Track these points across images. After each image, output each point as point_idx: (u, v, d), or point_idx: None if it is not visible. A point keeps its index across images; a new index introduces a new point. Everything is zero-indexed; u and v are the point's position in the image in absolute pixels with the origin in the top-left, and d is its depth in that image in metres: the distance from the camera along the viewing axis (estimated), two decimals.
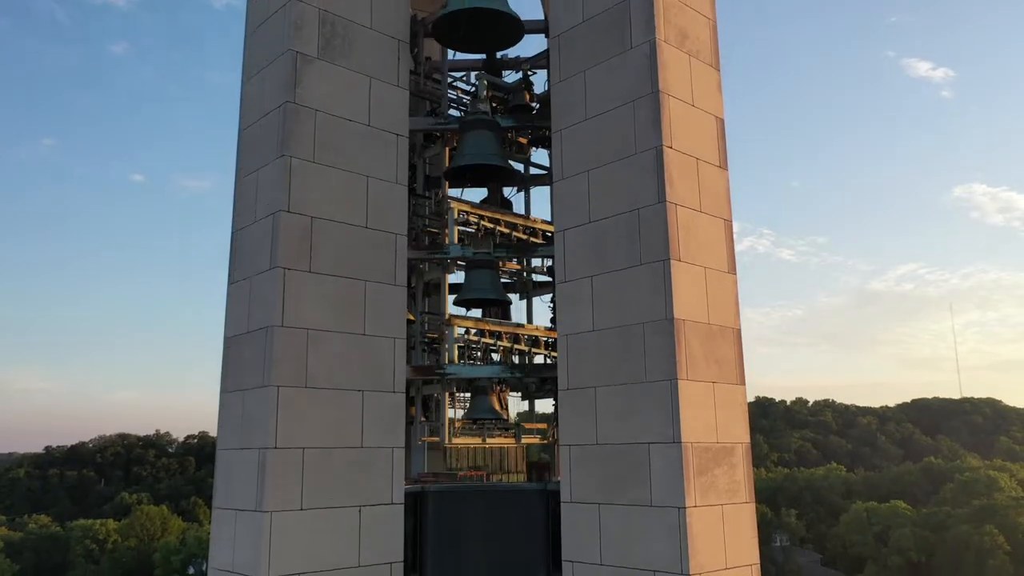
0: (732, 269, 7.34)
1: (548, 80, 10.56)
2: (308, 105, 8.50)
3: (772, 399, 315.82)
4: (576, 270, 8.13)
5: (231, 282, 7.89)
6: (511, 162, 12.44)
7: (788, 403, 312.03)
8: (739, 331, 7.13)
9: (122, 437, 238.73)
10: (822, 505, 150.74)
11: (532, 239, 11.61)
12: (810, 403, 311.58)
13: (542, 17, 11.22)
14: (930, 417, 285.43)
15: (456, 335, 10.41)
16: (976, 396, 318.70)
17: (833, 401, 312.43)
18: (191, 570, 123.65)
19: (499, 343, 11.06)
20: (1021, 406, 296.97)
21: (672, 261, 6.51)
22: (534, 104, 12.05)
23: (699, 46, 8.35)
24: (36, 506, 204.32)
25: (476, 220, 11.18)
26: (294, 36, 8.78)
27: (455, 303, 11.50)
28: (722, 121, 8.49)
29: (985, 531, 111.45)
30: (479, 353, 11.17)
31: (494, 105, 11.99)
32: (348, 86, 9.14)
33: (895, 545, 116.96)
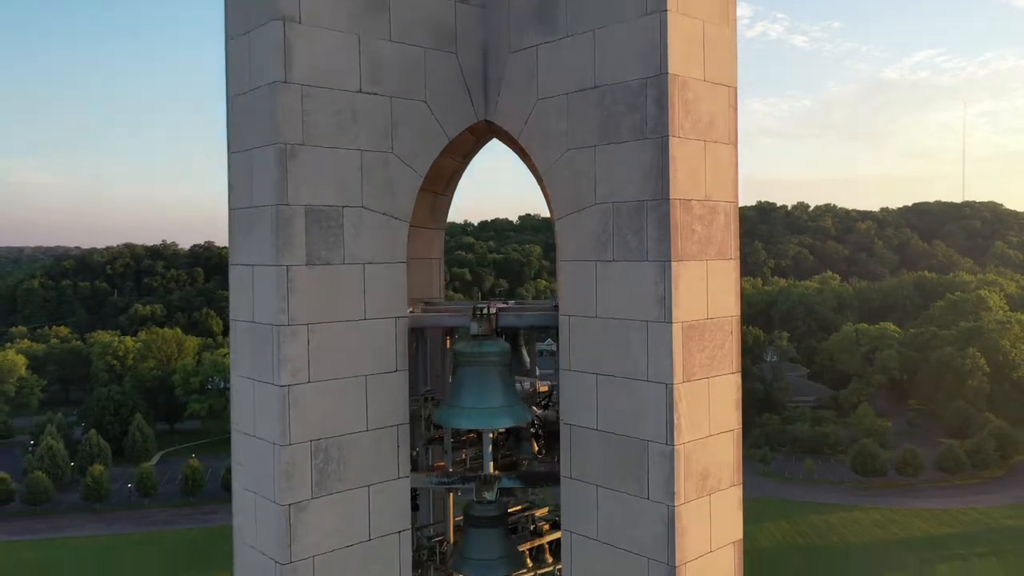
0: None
1: None
2: None
3: (773, 204, 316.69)
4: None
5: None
6: None
7: (789, 208, 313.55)
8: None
9: (129, 247, 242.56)
10: (814, 319, 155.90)
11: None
12: (811, 207, 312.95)
13: None
14: (929, 221, 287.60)
15: None
16: (978, 200, 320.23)
17: (834, 206, 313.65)
18: (209, 385, 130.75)
19: None
20: (1022, 209, 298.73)
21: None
22: None
23: None
24: (53, 316, 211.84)
25: None
26: None
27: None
28: None
29: (968, 353, 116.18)
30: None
31: None
32: None
33: (880, 364, 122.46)
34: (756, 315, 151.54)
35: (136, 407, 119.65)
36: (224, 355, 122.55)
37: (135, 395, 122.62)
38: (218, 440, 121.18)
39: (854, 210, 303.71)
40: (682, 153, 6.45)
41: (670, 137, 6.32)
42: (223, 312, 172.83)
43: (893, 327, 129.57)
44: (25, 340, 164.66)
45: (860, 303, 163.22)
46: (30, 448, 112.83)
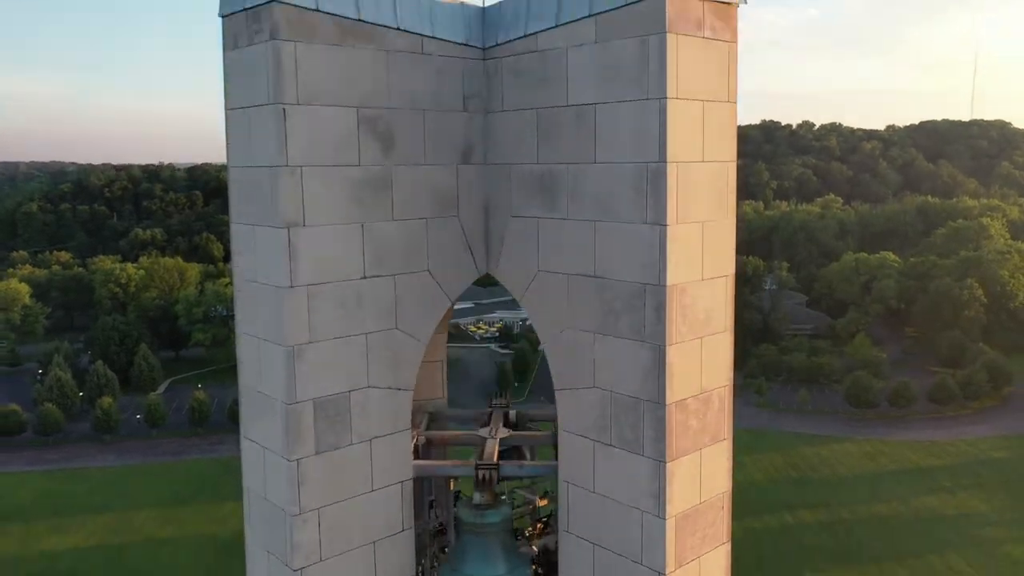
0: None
1: None
2: None
3: (778, 123, 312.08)
4: None
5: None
6: None
7: (794, 127, 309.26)
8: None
9: (126, 170, 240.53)
10: (815, 245, 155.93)
11: None
12: (816, 127, 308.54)
13: None
14: (936, 140, 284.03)
15: None
16: (986, 118, 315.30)
17: (839, 124, 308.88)
18: (212, 314, 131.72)
19: None
20: None
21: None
22: None
23: None
24: (53, 240, 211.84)
25: None
26: None
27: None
28: None
29: (966, 284, 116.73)
30: None
31: None
32: None
33: (878, 294, 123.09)
34: (756, 241, 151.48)
35: (140, 337, 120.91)
36: (226, 285, 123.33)
37: (139, 325, 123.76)
38: (224, 368, 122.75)
39: (860, 129, 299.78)
40: (679, 355, 6.61)
41: (667, 346, 6.48)
42: (223, 236, 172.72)
43: (893, 257, 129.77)
44: (27, 266, 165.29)
45: (861, 229, 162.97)
46: (39, 377, 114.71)
